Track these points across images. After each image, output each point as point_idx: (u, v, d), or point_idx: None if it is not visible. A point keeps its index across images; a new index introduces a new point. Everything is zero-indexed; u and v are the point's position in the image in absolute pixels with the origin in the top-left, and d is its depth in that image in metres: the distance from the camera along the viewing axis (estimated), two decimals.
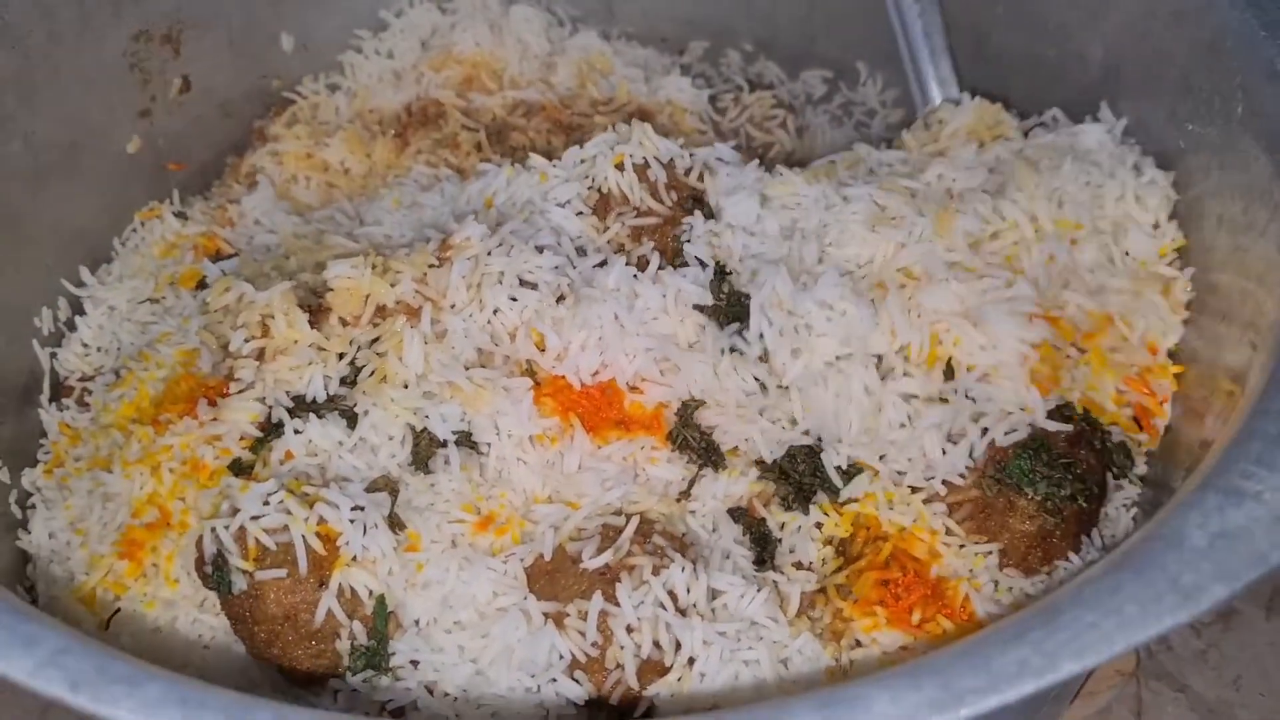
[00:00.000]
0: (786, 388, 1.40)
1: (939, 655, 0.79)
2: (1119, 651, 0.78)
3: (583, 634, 1.21)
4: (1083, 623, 0.79)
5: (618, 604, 1.21)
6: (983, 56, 1.82)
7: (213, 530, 1.25)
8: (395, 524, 1.29)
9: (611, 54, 1.98)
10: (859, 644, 1.26)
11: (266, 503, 1.26)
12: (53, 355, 1.63)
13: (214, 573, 1.25)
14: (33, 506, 1.49)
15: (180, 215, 1.78)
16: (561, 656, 1.22)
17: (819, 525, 1.33)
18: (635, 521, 1.27)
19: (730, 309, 1.44)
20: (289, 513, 1.24)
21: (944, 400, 1.36)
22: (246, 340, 1.41)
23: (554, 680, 1.22)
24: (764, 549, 1.34)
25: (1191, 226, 1.42)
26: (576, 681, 1.21)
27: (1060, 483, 1.27)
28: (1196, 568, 0.82)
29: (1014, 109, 1.75)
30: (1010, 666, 0.76)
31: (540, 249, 1.44)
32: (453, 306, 1.42)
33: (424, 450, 1.36)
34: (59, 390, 1.62)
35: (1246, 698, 1.61)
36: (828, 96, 2.06)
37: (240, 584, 1.24)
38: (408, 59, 1.98)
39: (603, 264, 1.46)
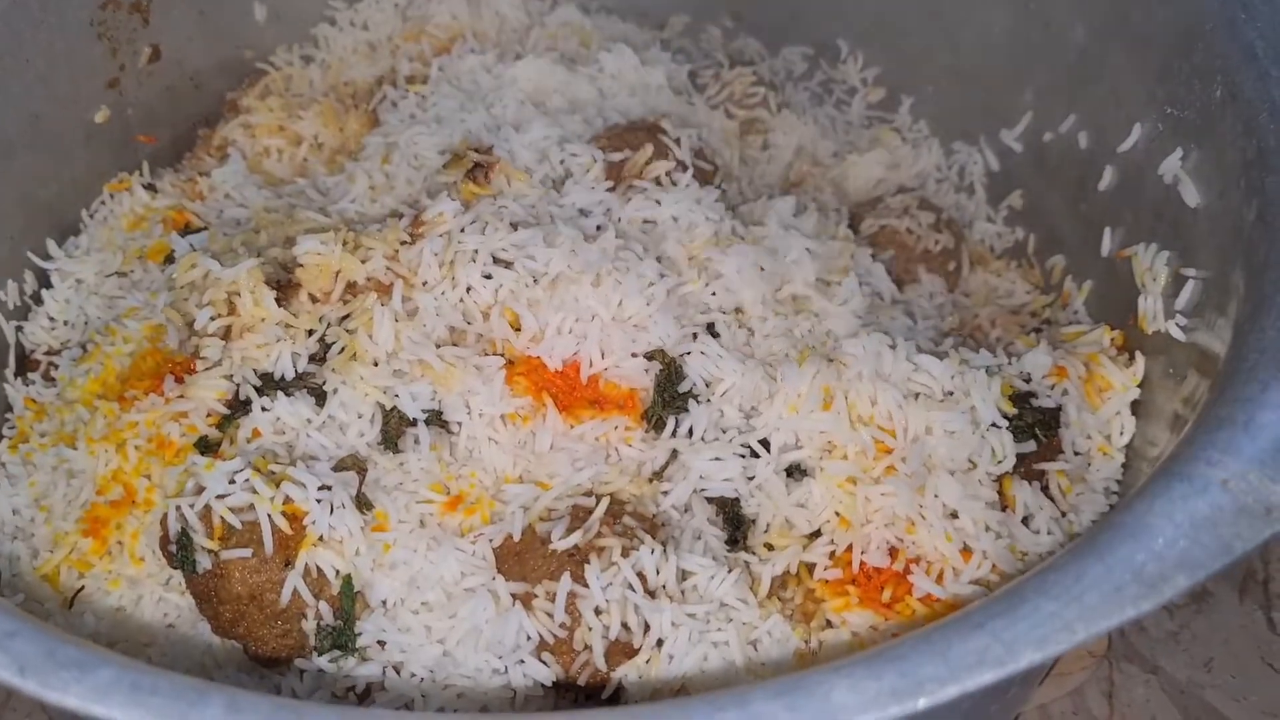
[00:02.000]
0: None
1: (899, 643, 0.78)
2: (1080, 641, 0.78)
3: (551, 615, 1.20)
4: (1044, 612, 0.79)
5: (586, 585, 1.20)
6: (964, 39, 1.80)
7: (177, 508, 1.24)
8: (363, 504, 1.28)
9: (591, 27, 1.95)
10: (829, 624, 1.26)
11: (232, 481, 1.24)
12: (18, 329, 1.61)
13: (179, 552, 1.24)
14: None
15: (149, 188, 1.75)
16: (529, 638, 1.21)
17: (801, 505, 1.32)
18: (605, 503, 1.26)
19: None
20: (255, 491, 1.23)
21: None
22: (212, 318, 1.39)
23: (522, 661, 1.21)
24: (737, 529, 1.33)
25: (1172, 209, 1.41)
26: (544, 663, 1.21)
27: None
28: (1160, 557, 0.82)
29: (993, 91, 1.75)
30: (970, 655, 0.76)
31: (515, 226, 1.43)
32: (425, 284, 1.40)
33: (393, 429, 1.34)
34: (24, 364, 1.60)
35: (1218, 679, 1.61)
36: (808, 74, 2.04)
37: (205, 563, 1.23)
38: (383, 31, 1.95)
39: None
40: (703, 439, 1.35)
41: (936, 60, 1.87)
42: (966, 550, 1.23)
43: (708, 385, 1.37)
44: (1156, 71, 1.44)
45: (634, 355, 1.38)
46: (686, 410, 1.36)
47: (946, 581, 1.19)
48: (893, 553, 1.25)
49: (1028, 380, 1.39)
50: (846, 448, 1.31)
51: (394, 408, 1.34)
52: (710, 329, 1.43)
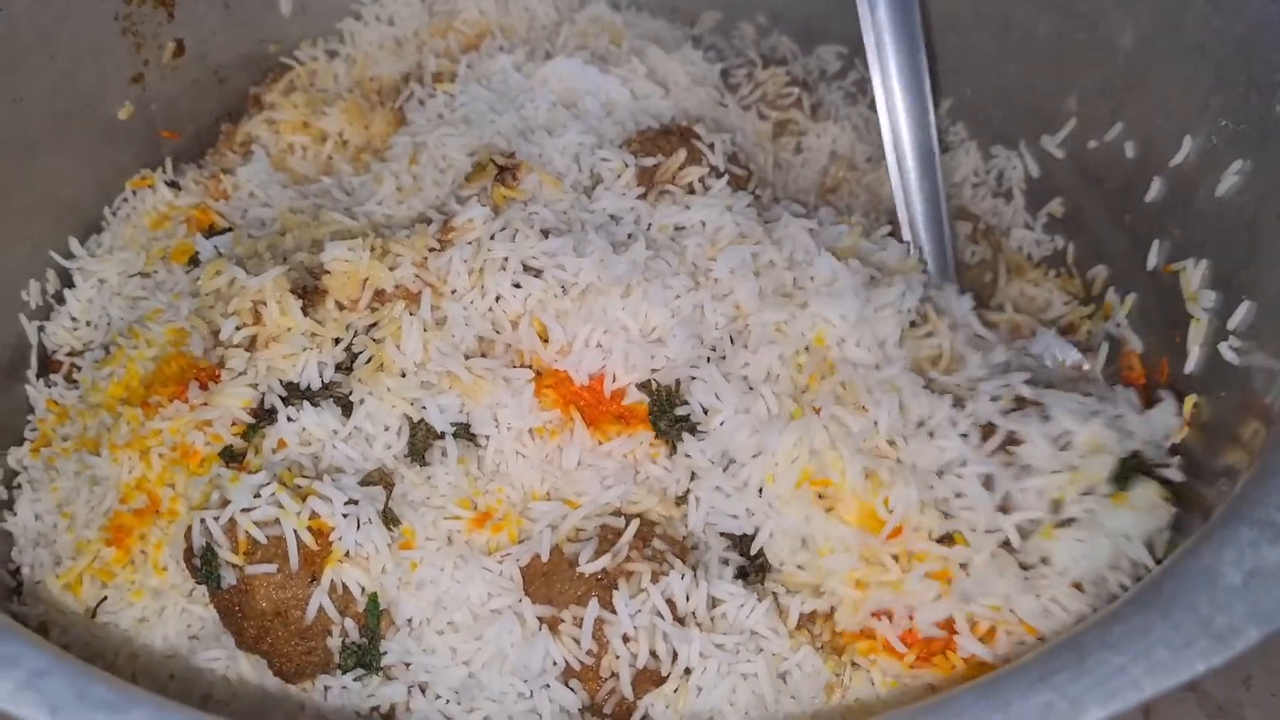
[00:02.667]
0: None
1: (959, 694, 0.75)
2: (1147, 698, 0.74)
3: (578, 641, 1.18)
4: (1110, 666, 0.76)
5: (614, 611, 1.17)
6: (1007, 40, 1.75)
7: (202, 522, 1.21)
8: (390, 519, 1.26)
9: (622, 24, 1.91)
10: (855, 664, 1.23)
11: (258, 495, 1.22)
12: (40, 329, 1.58)
13: (203, 566, 1.22)
14: (18, 486, 1.45)
15: (172, 184, 1.73)
16: (555, 663, 1.19)
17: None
18: (635, 524, 1.23)
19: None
20: (280, 506, 1.21)
21: None
22: (238, 328, 1.37)
23: (547, 686, 1.19)
24: (752, 561, 1.29)
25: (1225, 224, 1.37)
26: (570, 689, 1.18)
27: None
28: (1230, 608, 0.78)
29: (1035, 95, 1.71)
30: (1033, 712, 0.73)
31: (545, 233, 1.40)
32: (453, 292, 1.37)
33: (420, 441, 1.32)
34: (46, 365, 1.58)
35: (1257, 697, 1.58)
36: (842, 73, 1.99)
37: (230, 578, 1.20)
38: (409, 26, 1.91)
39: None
40: (711, 462, 1.31)
41: (976, 61, 1.82)
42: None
43: (706, 412, 1.33)
44: (1211, 81, 1.39)
45: (653, 370, 1.34)
46: (691, 433, 1.32)
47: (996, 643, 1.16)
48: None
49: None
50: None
51: (421, 420, 1.32)
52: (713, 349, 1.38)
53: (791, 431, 1.26)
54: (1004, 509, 1.23)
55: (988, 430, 1.27)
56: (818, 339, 1.34)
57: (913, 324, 1.39)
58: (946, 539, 1.22)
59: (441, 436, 1.31)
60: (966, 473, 1.23)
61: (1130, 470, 1.24)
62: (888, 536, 1.22)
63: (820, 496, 1.25)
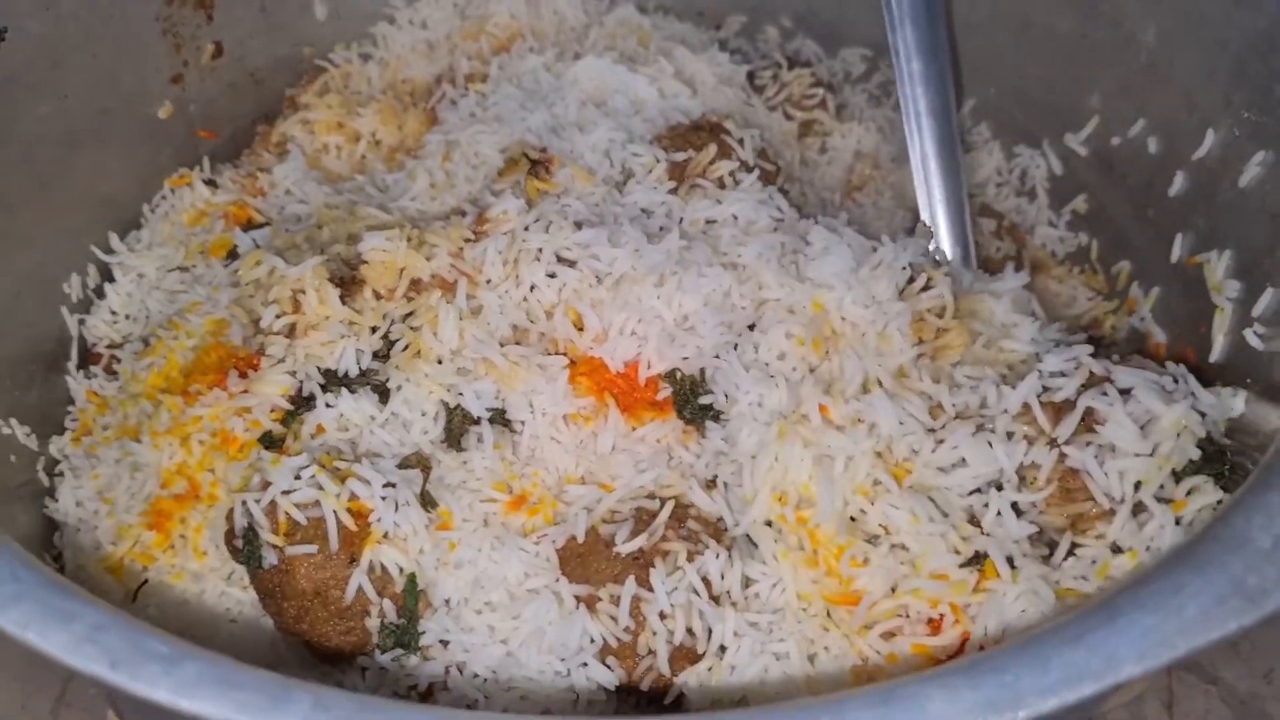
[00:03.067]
0: None
1: (995, 655, 0.77)
2: (1181, 656, 0.76)
3: (615, 619, 1.19)
4: (1143, 625, 0.77)
5: (651, 589, 1.19)
6: (1029, 39, 1.77)
7: (243, 504, 1.24)
8: (427, 502, 1.28)
9: (649, 26, 1.94)
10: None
11: (298, 477, 1.24)
12: (81, 322, 1.62)
13: (244, 546, 1.24)
14: (60, 474, 1.48)
15: (210, 183, 1.76)
16: (593, 640, 1.20)
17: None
18: (670, 505, 1.25)
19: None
20: (320, 488, 1.23)
21: None
22: (278, 316, 1.39)
23: (585, 664, 1.20)
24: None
25: (1247, 215, 1.38)
26: (608, 667, 1.20)
27: None
28: (1261, 570, 0.80)
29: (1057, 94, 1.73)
30: (1070, 668, 0.74)
31: (579, 225, 1.42)
32: (488, 282, 1.40)
33: (457, 427, 1.34)
34: (87, 357, 1.61)
35: (1279, 690, 1.58)
36: (866, 75, 2.02)
37: (270, 559, 1.23)
38: (441, 29, 1.95)
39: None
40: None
41: (1000, 62, 1.84)
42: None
43: (727, 399, 1.34)
44: (1232, 75, 1.41)
45: (683, 359, 1.36)
46: (715, 421, 1.34)
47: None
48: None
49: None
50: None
51: (458, 406, 1.34)
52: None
53: (766, 455, 1.26)
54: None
55: (1061, 409, 1.23)
56: (815, 304, 1.35)
57: (911, 280, 1.38)
58: (974, 560, 1.19)
59: (477, 422, 1.34)
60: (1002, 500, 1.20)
61: (1206, 456, 1.20)
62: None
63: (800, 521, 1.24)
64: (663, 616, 1.18)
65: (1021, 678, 0.73)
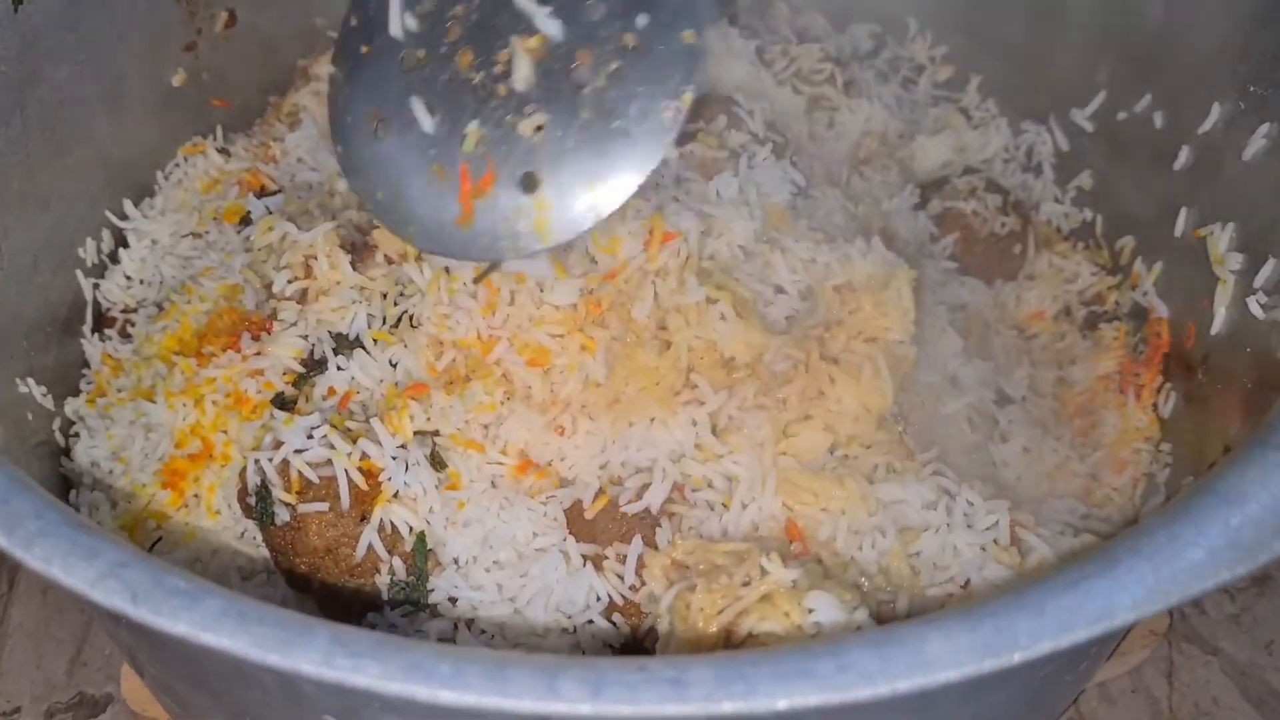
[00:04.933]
0: None
1: (992, 600, 0.79)
2: (1175, 601, 0.77)
3: (621, 576, 1.22)
4: (1139, 572, 0.79)
5: (657, 548, 1.21)
6: (1036, 16, 1.78)
7: (256, 462, 1.26)
8: (437, 462, 1.30)
9: None
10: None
11: (310, 436, 1.26)
12: (95, 286, 1.63)
13: (257, 504, 1.26)
14: (75, 434, 1.50)
15: (223, 152, 1.78)
16: (599, 598, 1.23)
17: None
18: (677, 469, 1.27)
19: None
20: (332, 447, 1.25)
21: None
22: (290, 281, 1.41)
23: (591, 622, 1.23)
24: None
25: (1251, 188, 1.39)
26: (613, 623, 1.22)
27: None
28: (1256, 522, 0.81)
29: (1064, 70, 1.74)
30: (1066, 612, 0.76)
31: None
32: None
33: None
34: (101, 321, 1.63)
35: (1279, 661, 1.61)
36: (875, 51, 2.02)
37: (283, 516, 1.25)
38: None
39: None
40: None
41: (1006, 38, 1.85)
42: None
43: None
44: (1239, 48, 1.41)
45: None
46: None
47: None
48: None
49: None
50: None
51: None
52: None
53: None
54: None
55: None
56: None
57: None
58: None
59: None
60: None
61: None
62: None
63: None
64: None
65: (1017, 621, 0.75)
